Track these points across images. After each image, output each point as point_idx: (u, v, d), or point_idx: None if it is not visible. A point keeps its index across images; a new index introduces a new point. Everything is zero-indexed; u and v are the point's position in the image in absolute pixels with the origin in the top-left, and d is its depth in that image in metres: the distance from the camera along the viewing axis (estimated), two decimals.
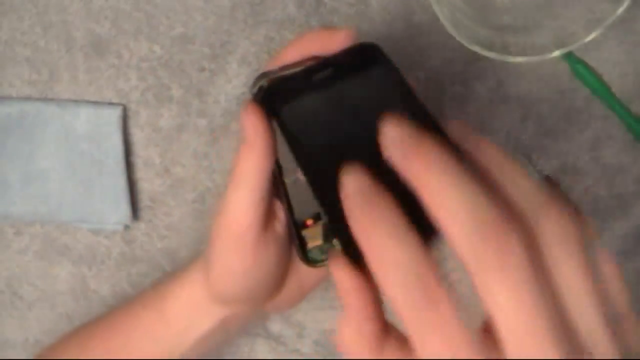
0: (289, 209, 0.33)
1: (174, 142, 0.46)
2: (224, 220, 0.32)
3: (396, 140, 0.21)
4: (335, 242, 0.34)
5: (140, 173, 0.47)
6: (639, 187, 0.48)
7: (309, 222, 0.34)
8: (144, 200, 0.48)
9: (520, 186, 0.21)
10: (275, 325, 0.50)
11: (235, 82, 0.45)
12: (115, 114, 0.45)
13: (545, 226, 0.20)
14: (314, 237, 0.34)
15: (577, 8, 0.44)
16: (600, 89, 0.44)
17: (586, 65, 0.44)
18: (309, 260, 0.35)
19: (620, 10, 0.41)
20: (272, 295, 0.37)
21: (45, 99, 0.45)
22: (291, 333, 0.51)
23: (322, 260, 0.35)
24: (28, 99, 0.45)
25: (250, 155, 0.30)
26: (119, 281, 0.49)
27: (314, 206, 0.33)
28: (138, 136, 0.46)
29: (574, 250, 0.20)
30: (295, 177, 0.31)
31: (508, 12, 0.43)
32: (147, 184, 0.47)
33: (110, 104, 0.45)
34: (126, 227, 0.48)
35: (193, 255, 0.49)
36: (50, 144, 0.45)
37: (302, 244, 0.34)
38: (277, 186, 0.32)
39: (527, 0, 0.44)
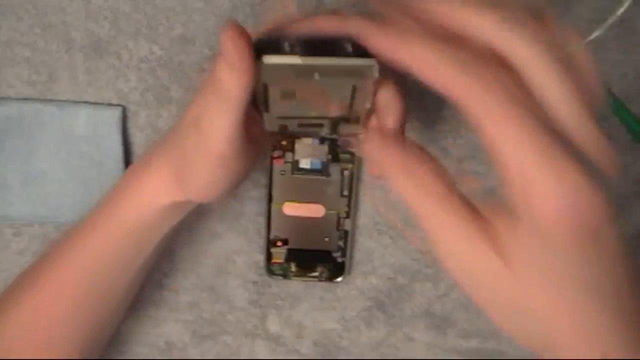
0: (268, 228, 0.42)
1: None
2: (206, 141, 0.33)
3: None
4: (292, 264, 0.45)
5: None
6: (639, 187, 0.48)
7: (279, 243, 0.44)
8: None
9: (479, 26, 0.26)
10: (275, 326, 0.50)
11: None
12: (114, 115, 0.45)
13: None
14: (278, 255, 0.44)
15: (577, 8, 0.44)
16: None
17: None
18: (270, 271, 0.46)
19: (621, 10, 0.41)
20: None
21: (45, 100, 0.45)
22: (290, 333, 0.51)
23: (278, 275, 0.46)
24: (27, 99, 0.45)
25: (234, 79, 0.30)
26: None
27: (285, 233, 0.43)
28: (137, 137, 0.46)
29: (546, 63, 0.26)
30: (280, 208, 0.40)
31: None
32: None
33: (110, 104, 0.45)
34: None
35: (193, 255, 0.49)
36: (49, 144, 0.45)
37: (269, 257, 0.44)
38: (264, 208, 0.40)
39: (527, 0, 0.44)
